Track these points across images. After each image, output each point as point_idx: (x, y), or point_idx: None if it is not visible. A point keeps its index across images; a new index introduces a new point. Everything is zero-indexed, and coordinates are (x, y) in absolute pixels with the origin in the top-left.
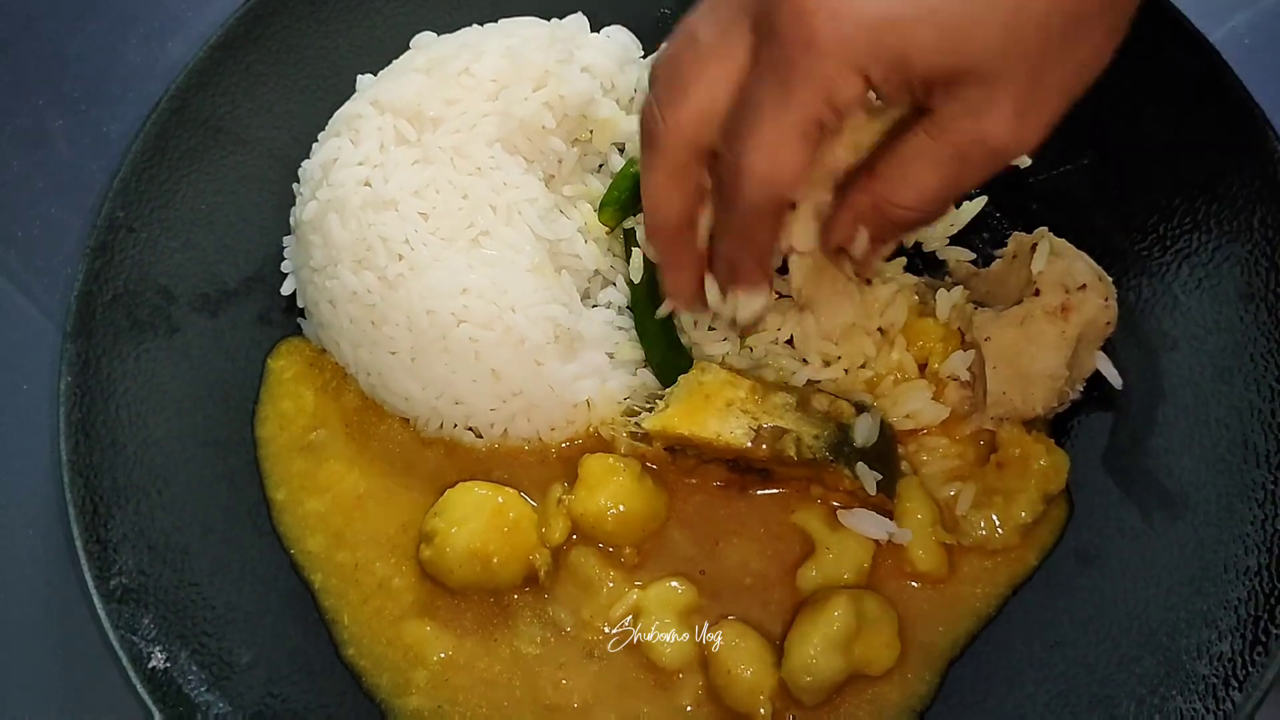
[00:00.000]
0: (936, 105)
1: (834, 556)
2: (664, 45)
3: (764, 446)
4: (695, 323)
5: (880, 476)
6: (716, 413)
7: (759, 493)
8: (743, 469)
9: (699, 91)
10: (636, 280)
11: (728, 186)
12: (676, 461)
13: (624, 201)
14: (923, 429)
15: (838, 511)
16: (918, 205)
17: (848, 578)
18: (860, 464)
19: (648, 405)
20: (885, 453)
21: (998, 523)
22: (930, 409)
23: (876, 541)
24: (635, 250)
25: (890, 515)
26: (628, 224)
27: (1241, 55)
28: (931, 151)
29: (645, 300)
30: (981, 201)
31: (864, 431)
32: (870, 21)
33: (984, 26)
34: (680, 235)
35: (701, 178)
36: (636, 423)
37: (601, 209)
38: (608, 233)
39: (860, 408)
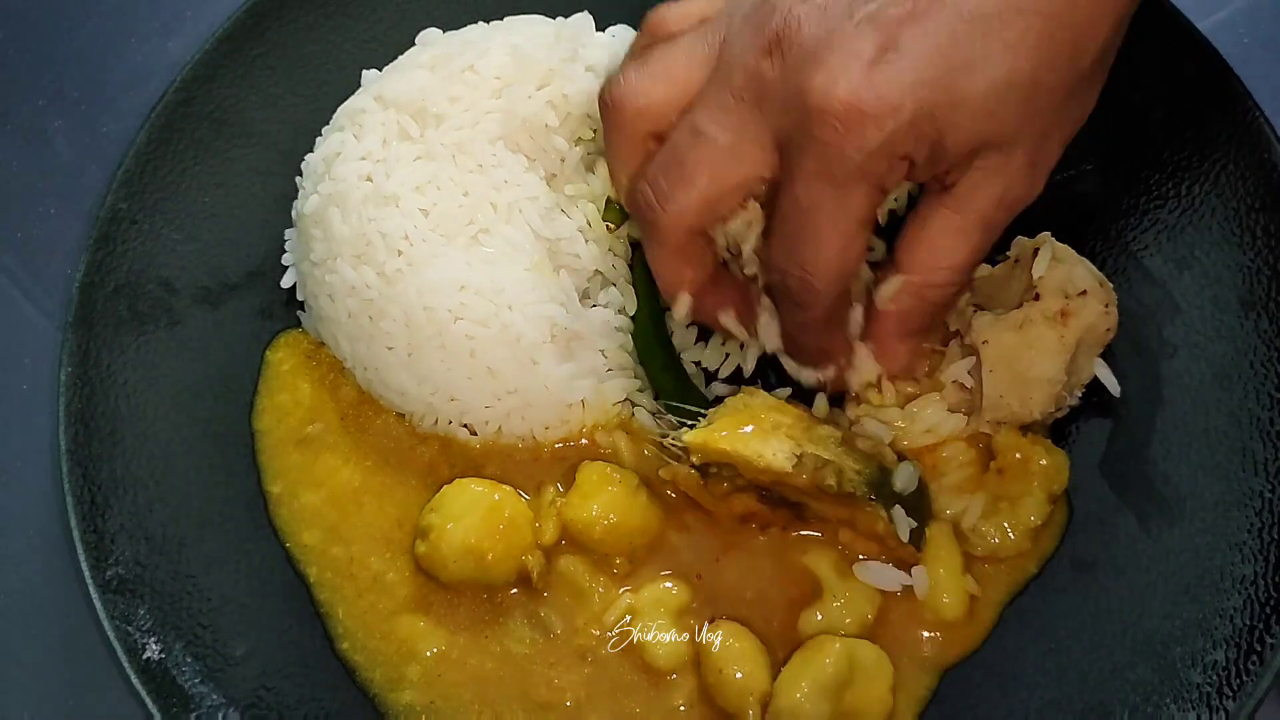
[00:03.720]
0: (957, 178)
1: (840, 605)
2: (608, 94)
3: (805, 474)
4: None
5: (915, 524)
6: (760, 435)
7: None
8: (775, 501)
9: (708, 185)
10: (632, 312)
11: (799, 294)
12: (708, 485)
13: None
14: (944, 441)
15: (855, 565)
16: (954, 281)
17: (850, 627)
18: (897, 507)
19: (689, 422)
20: (920, 505)
21: (1008, 529)
22: (948, 420)
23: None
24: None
25: (909, 570)
26: (636, 234)
27: (1238, 50)
28: (958, 224)
29: (647, 330)
30: None
31: (904, 478)
32: (910, 117)
33: (1007, 104)
34: (709, 291)
35: (702, 252)
36: (675, 436)
37: (607, 208)
38: (612, 230)
39: (902, 457)
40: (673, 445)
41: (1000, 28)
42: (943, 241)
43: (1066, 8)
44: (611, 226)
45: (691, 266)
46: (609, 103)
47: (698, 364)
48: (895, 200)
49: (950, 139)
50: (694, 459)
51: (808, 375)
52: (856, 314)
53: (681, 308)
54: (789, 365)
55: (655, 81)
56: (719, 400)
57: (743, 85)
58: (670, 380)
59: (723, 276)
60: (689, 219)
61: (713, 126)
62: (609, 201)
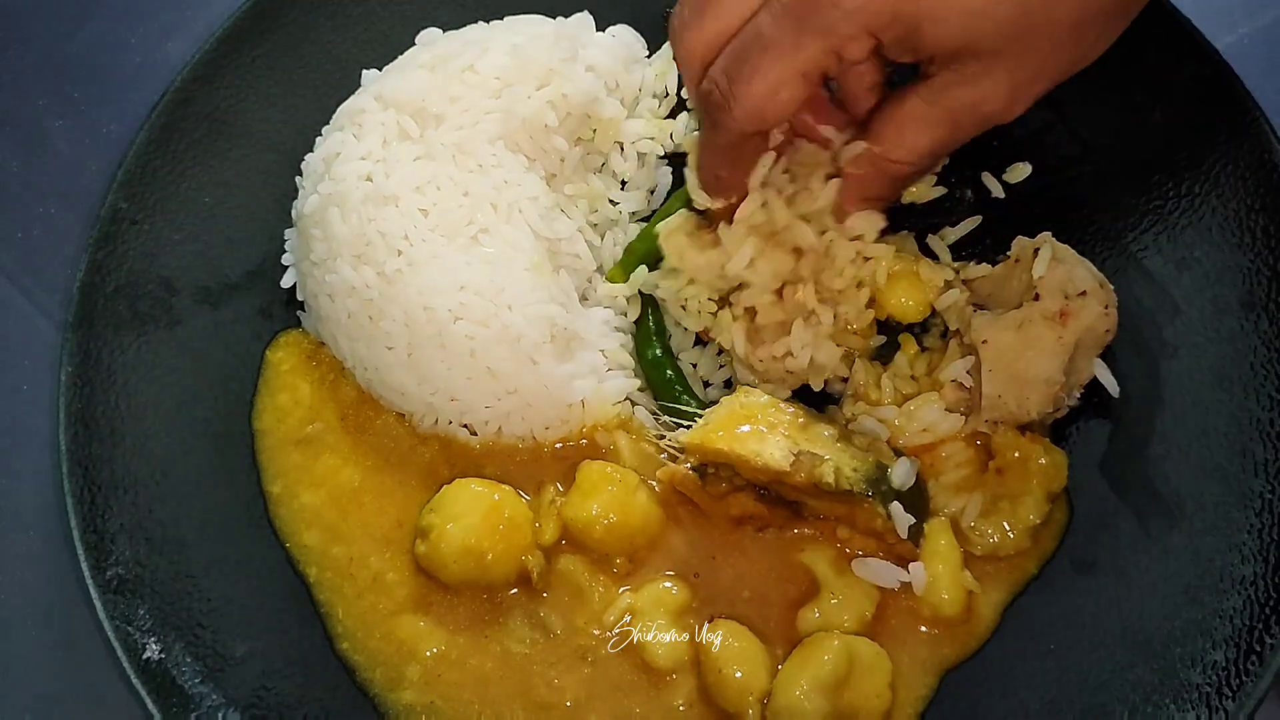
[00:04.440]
0: (934, 72)
1: (838, 602)
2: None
3: (802, 473)
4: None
5: (913, 520)
6: (757, 433)
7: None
8: (773, 500)
9: (717, 17)
10: (633, 317)
11: (715, 109)
12: (706, 485)
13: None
14: (941, 440)
15: (853, 561)
16: (911, 160)
17: (848, 624)
18: (895, 504)
19: (685, 423)
20: (918, 501)
21: (1008, 528)
22: (946, 420)
23: (882, 589)
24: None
25: (906, 566)
26: (644, 286)
27: (1249, 65)
28: (925, 114)
29: (647, 332)
30: (976, 220)
31: (902, 474)
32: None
33: (1001, 14)
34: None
35: (755, 154)
36: (673, 438)
37: (613, 268)
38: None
39: (899, 453)
40: (670, 446)
41: None
42: (910, 125)
43: None
44: (613, 283)
45: (738, 169)
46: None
47: (695, 365)
48: (914, 190)
49: (929, 30)
50: (692, 460)
51: (699, 197)
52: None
53: (704, 199)
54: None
55: (698, 15)
56: (716, 401)
57: None
58: (668, 382)
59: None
60: (702, 53)
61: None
62: (632, 264)
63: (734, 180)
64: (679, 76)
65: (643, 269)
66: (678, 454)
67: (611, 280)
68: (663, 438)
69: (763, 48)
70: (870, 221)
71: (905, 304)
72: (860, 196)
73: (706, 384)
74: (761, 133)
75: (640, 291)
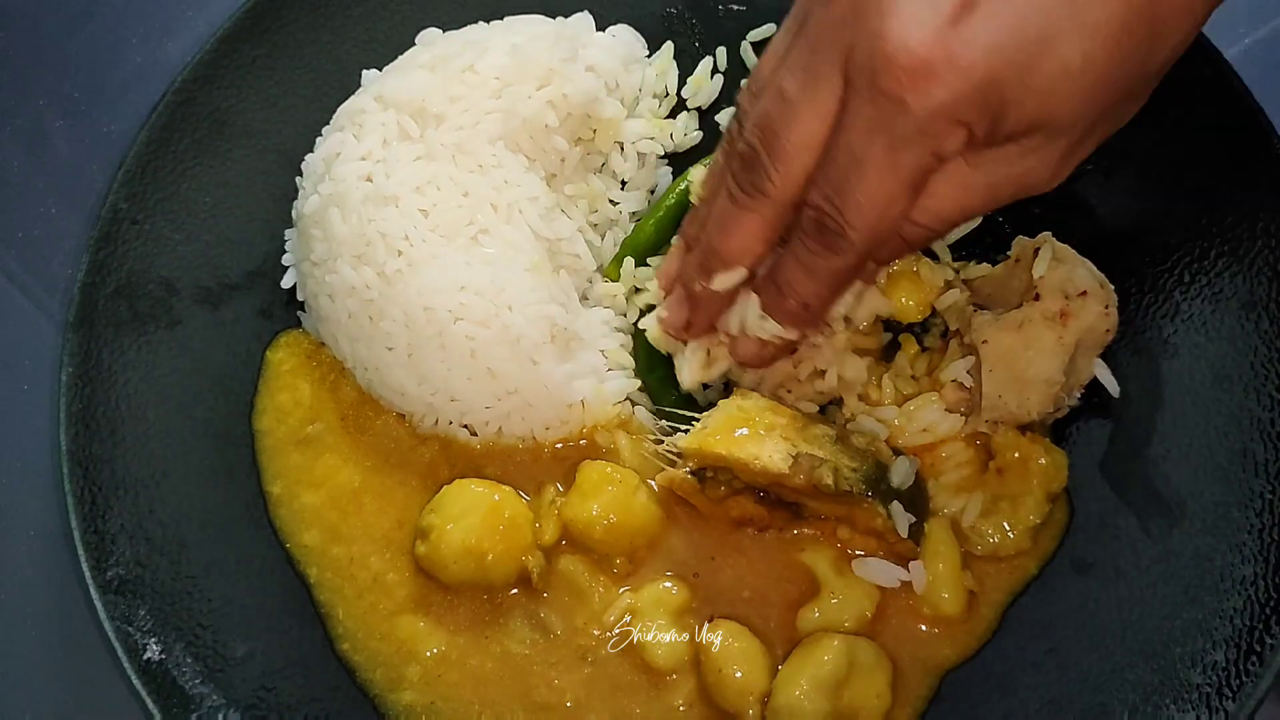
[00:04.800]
0: (993, 144)
1: (838, 601)
2: (741, 97)
3: (801, 475)
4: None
5: (913, 519)
6: (755, 437)
7: (780, 533)
8: (773, 502)
9: (806, 154)
10: (633, 318)
11: (831, 235)
12: (705, 489)
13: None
14: (940, 441)
15: (853, 561)
16: (932, 226)
17: (848, 624)
18: (895, 503)
19: (683, 427)
20: (918, 499)
21: (1008, 528)
22: (946, 420)
23: (882, 589)
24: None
25: (906, 565)
26: (640, 282)
27: (1250, 65)
28: (965, 179)
29: (646, 341)
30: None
31: (901, 473)
32: (979, 83)
33: (1073, 90)
34: (727, 297)
35: (781, 231)
36: (671, 442)
37: (610, 264)
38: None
39: (898, 452)
40: (668, 451)
41: (1085, 7)
42: (942, 187)
43: (1151, 2)
44: (609, 279)
45: (768, 244)
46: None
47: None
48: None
49: (1012, 114)
50: (690, 464)
51: (770, 328)
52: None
53: (734, 277)
54: (751, 325)
55: (748, 96)
56: (713, 405)
57: (817, 33)
58: (666, 387)
59: None
60: (791, 190)
61: (794, 85)
62: (618, 258)
63: (823, 312)
64: (679, 76)
65: (629, 262)
66: (676, 458)
67: (608, 277)
68: (660, 442)
69: (862, 169)
70: (878, 305)
71: (905, 304)
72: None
73: (705, 385)
74: (865, 260)
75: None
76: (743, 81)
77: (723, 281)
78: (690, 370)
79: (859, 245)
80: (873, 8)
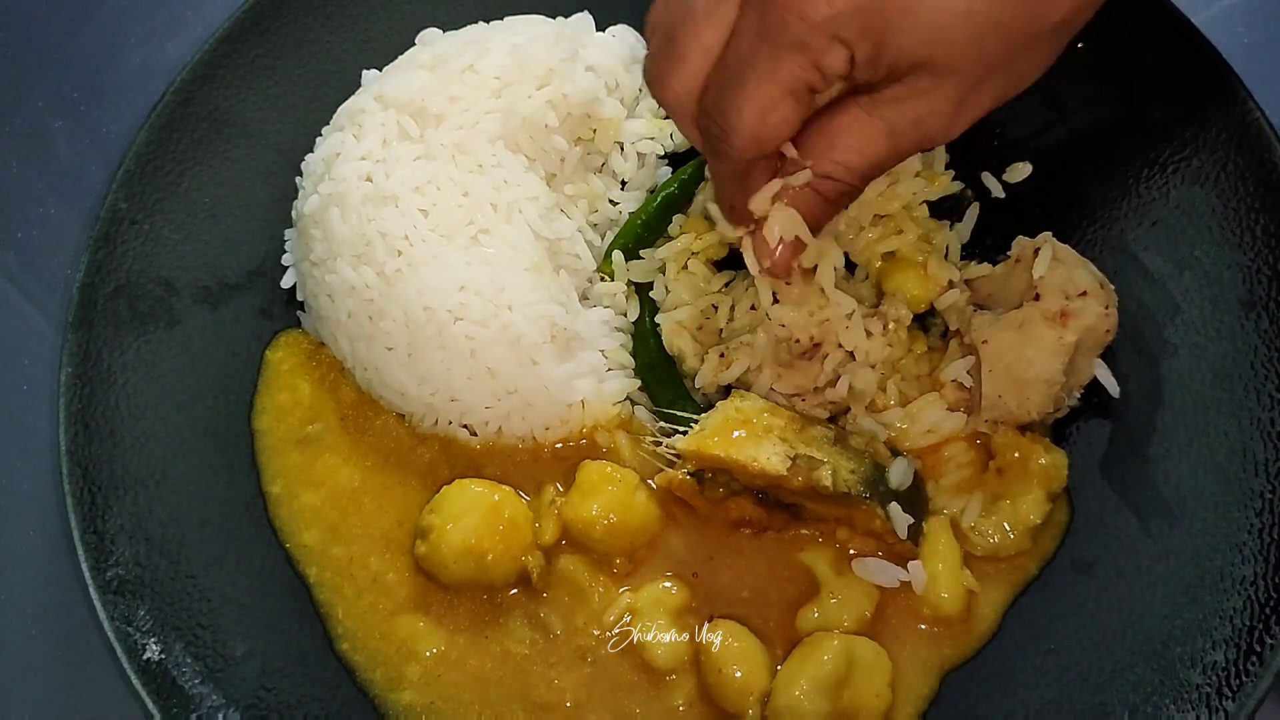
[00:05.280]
0: (882, 85)
1: (838, 601)
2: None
3: (800, 477)
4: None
5: (912, 520)
6: (753, 439)
7: (779, 534)
8: (771, 504)
9: (698, 58)
10: (633, 318)
11: (718, 140)
12: (705, 491)
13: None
14: (944, 441)
15: (853, 561)
16: (844, 178)
17: (848, 624)
18: (894, 504)
19: (681, 429)
20: (917, 499)
21: (1008, 528)
22: (949, 419)
23: (882, 589)
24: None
25: (905, 564)
26: (634, 275)
27: (1250, 64)
28: (863, 125)
29: (647, 338)
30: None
31: (899, 473)
32: (862, 3)
33: (957, 30)
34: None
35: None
36: (669, 444)
37: (604, 260)
38: (607, 280)
39: (896, 452)
40: (667, 452)
41: None
42: (844, 137)
43: None
44: (606, 277)
45: (747, 191)
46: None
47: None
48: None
49: (892, 44)
50: (689, 466)
51: (725, 228)
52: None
53: (729, 230)
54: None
55: (674, 60)
56: (711, 405)
57: None
58: (665, 387)
59: None
60: (684, 97)
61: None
62: (607, 253)
63: (742, 210)
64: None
65: (619, 255)
66: (674, 460)
67: (603, 272)
68: (659, 445)
69: (744, 74)
70: (836, 256)
71: (909, 295)
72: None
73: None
74: (766, 156)
75: (637, 292)
76: None
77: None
78: (704, 373)
79: (739, 149)
80: None
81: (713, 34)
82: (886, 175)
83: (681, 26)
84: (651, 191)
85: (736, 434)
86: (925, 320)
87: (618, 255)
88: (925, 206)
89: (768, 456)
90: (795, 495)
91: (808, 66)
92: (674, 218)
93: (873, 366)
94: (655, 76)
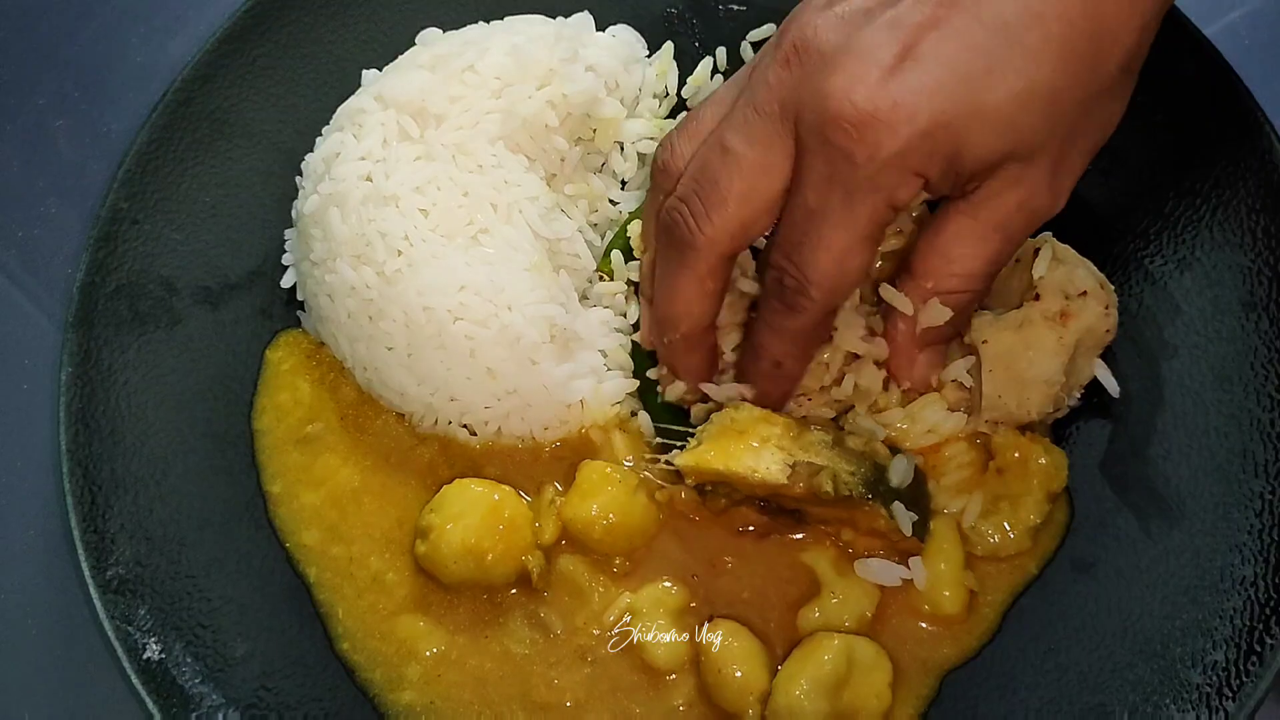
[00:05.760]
0: (976, 186)
1: (838, 601)
2: (674, 136)
3: (800, 484)
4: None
5: (916, 517)
6: (751, 449)
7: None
8: (774, 511)
9: (740, 205)
10: (632, 319)
11: (791, 294)
12: (707, 503)
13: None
14: (945, 441)
15: (856, 563)
16: (967, 288)
17: (849, 624)
18: (897, 503)
19: (678, 443)
20: (919, 496)
21: (1008, 529)
22: (949, 420)
23: (883, 589)
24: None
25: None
26: (635, 274)
27: (1250, 64)
28: (971, 229)
29: (643, 353)
30: None
31: (900, 472)
32: (925, 127)
33: (1028, 115)
34: (702, 334)
35: (725, 282)
36: (668, 460)
37: (603, 258)
38: (605, 280)
39: (894, 450)
40: (667, 467)
41: (1021, 34)
42: (956, 247)
43: (1087, 14)
44: (605, 277)
45: (709, 297)
46: (655, 166)
47: None
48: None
49: (968, 152)
50: (689, 481)
51: (738, 391)
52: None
53: (672, 394)
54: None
55: (688, 140)
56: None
57: (765, 98)
58: (659, 404)
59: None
60: (724, 242)
61: (739, 142)
62: (606, 252)
63: (798, 369)
64: (679, 76)
65: (618, 255)
66: (674, 476)
67: (602, 270)
68: (657, 461)
69: (818, 225)
70: (937, 313)
71: None
72: (922, 342)
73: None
74: (835, 313)
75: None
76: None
77: (664, 339)
78: (673, 391)
79: (819, 301)
80: (816, 68)
81: (761, 183)
82: None
83: (724, 175)
84: None
85: (734, 446)
86: None
87: (616, 255)
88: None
89: (767, 466)
90: (797, 501)
91: (882, 206)
92: None
93: (877, 364)
94: (690, 215)
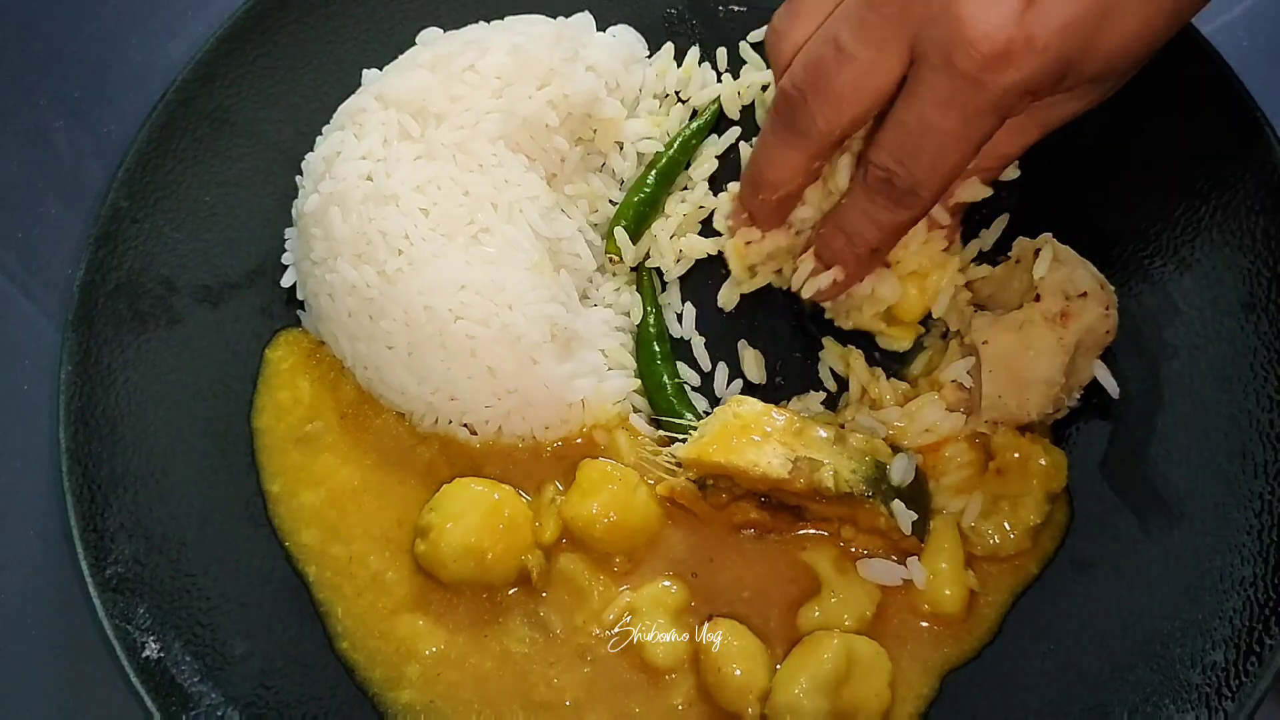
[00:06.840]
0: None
1: (838, 600)
2: (784, 17)
3: (801, 479)
4: None
5: (916, 516)
6: (753, 443)
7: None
8: (775, 507)
9: (853, 105)
10: (638, 321)
11: (901, 194)
12: (707, 497)
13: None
14: (944, 440)
15: (858, 562)
16: (1000, 165)
17: (849, 623)
18: (897, 501)
19: (680, 436)
20: (919, 495)
21: (1009, 529)
22: (948, 419)
23: (883, 588)
24: (637, 295)
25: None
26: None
27: (1251, 64)
28: (1020, 125)
29: (650, 344)
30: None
31: (900, 470)
32: (1050, 63)
33: (1130, 54)
34: (792, 199)
35: (826, 162)
36: (670, 453)
37: (609, 240)
38: (615, 261)
39: (896, 448)
40: (668, 461)
41: None
42: (1004, 134)
43: None
44: (615, 259)
45: (806, 175)
46: (766, 40)
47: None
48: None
49: (1072, 76)
50: (690, 474)
51: (819, 279)
52: None
53: (780, 193)
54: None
55: (799, 22)
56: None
57: (884, 1)
58: (665, 394)
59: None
60: (835, 134)
61: (854, 41)
62: (611, 234)
63: (887, 254)
64: (679, 78)
65: (621, 232)
66: (675, 469)
67: (609, 252)
68: (658, 454)
69: (938, 138)
70: (975, 190)
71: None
72: (956, 214)
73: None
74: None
75: (640, 294)
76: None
77: (754, 199)
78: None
79: (927, 200)
80: None
81: (874, 84)
82: None
83: (843, 74)
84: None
85: (736, 440)
86: (926, 320)
87: (620, 232)
88: None
89: (768, 461)
90: (798, 497)
91: (997, 125)
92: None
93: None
94: (807, 103)
